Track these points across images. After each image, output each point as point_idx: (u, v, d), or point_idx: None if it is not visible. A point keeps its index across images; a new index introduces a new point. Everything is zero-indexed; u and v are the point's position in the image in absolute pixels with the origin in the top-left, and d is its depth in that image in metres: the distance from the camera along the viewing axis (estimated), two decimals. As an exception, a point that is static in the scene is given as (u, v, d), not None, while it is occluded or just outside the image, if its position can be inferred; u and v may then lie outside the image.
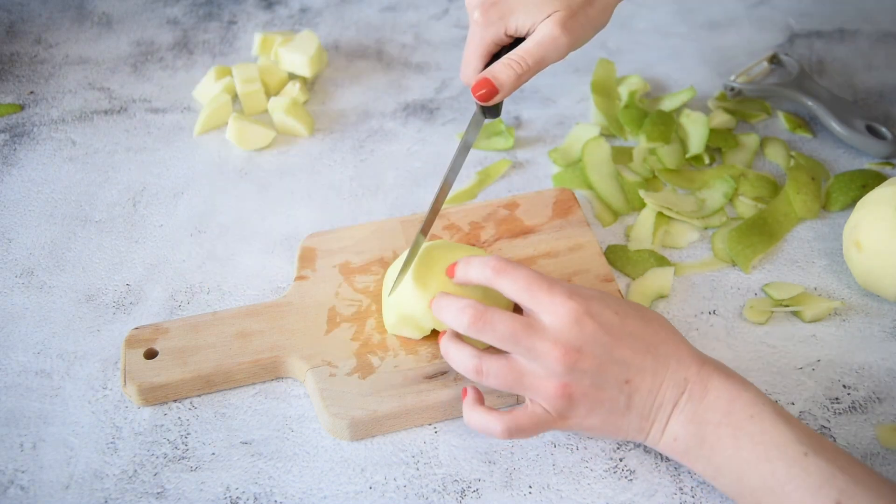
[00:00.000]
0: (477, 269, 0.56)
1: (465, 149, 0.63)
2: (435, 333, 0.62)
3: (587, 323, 0.52)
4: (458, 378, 0.60)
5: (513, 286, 0.54)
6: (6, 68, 0.93)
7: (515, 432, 0.54)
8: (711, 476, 0.52)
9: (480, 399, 0.56)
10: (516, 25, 0.62)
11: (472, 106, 0.87)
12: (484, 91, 0.61)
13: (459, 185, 0.78)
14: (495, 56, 0.63)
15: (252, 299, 0.69)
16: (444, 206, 0.75)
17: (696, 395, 0.52)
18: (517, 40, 0.63)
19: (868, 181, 0.74)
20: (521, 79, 0.62)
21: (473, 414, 0.55)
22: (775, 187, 0.76)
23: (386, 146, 0.83)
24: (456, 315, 0.54)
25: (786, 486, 0.48)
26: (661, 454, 0.57)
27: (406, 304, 0.61)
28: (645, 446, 0.58)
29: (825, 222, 0.74)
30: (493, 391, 0.59)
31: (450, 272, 0.59)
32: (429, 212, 0.63)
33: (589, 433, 0.55)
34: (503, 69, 0.61)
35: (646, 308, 0.56)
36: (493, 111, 0.64)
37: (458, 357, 0.55)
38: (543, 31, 0.61)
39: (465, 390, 0.57)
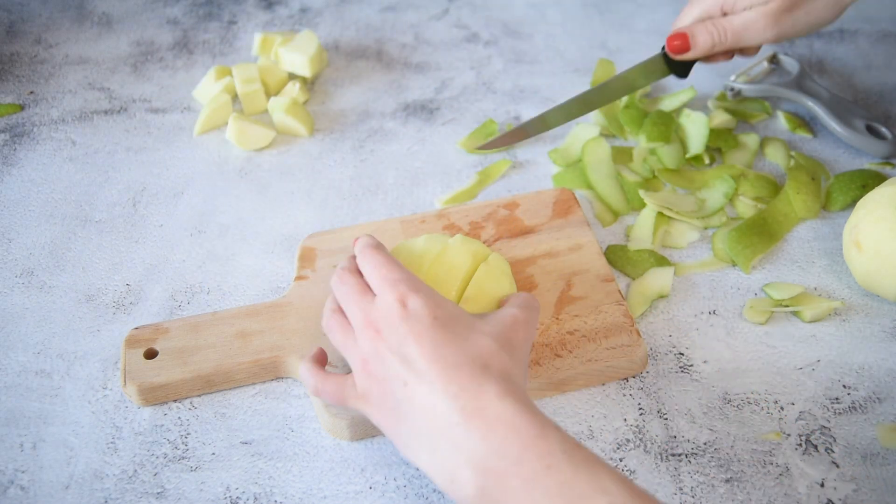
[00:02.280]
0: (356, 247, 0.56)
1: (625, 86, 0.65)
2: None
3: (393, 306, 0.49)
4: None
5: (365, 268, 0.54)
6: (6, 68, 0.93)
7: (320, 392, 0.53)
8: None
9: (321, 359, 0.56)
10: (734, 2, 0.63)
11: (470, 106, 0.87)
12: (677, 43, 0.64)
13: (459, 185, 0.78)
14: None
15: (252, 299, 0.69)
16: (443, 206, 0.75)
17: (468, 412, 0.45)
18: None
19: (868, 181, 0.74)
20: (715, 48, 0.64)
21: (301, 366, 0.55)
22: (775, 187, 0.76)
23: (386, 146, 0.83)
24: None
25: None
26: (661, 454, 0.57)
27: None
28: (645, 446, 0.58)
29: (825, 222, 0.74)
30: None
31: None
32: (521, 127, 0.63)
33: (391, 439, 0.49)
34: (702, 31, 0.64)
35: (497, 319, 0.51)
36: (682, 69, 0.66)
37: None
38: (752, 16, 0.63)
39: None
